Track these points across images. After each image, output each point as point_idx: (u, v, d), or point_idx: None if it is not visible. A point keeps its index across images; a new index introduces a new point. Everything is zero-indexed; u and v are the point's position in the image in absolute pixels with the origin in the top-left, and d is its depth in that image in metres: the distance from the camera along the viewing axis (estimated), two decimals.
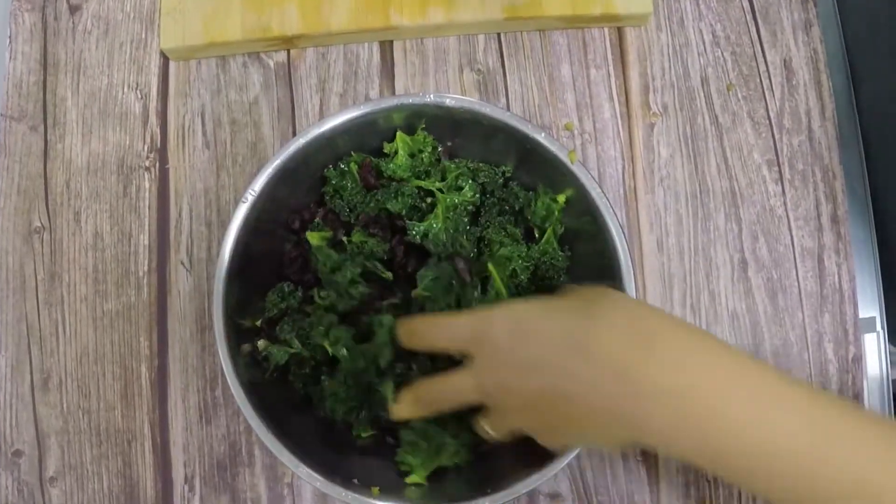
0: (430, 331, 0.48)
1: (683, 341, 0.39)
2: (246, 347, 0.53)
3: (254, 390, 0.51)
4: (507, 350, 0.43)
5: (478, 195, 0.57)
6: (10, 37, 0.67)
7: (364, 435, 0.54)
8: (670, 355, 0.38)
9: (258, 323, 0.55)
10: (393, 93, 0.66)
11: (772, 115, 0.66)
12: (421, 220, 0.56)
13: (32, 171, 0.65)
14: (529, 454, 0.51)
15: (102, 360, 0.62)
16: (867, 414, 0.40)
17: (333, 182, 0.57)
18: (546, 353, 0.41)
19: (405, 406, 0.49)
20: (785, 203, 0.64)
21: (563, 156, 0.53)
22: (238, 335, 0.53)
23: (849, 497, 0.36)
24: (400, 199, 0.55)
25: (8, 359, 0.62)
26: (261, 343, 0.54)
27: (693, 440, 0.38)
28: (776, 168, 0.65)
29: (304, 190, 0.57)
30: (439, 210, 0.55)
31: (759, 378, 0.39)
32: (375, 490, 0.50)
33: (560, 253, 0.57)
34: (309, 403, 0.55)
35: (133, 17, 0.67)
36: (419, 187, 0.56)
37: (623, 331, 0.39)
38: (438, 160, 0.58)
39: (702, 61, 0.66)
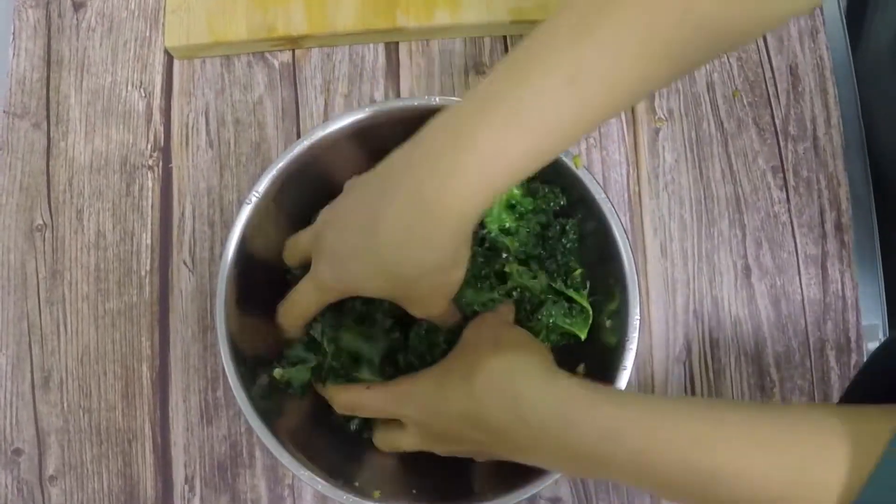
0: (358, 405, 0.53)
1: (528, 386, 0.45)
2: (263, 380, 0.53)
3: (253, 391, 0.51)
4: (426, 425, 0.49)
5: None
6: (13, 33, 0.67)
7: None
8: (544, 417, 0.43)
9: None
10: (398, 94, 0.66)
11: (777, 121, 0.65)
12: None
13: (35, 168, 0.64)
14: None
15: (103, 359, 0.62)
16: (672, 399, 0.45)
17: None
18: (452, 429, 0.48)
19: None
20: (789, 210, 0.64)
21: (567, 160, 0.53)
22: (242, 335, 0.52)
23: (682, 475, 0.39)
24: None
25: (9, 357, 0.62)
26: (277, 372, 0.53)
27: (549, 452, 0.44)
28: (781, 175, 0.65)
29: (308, 193, 0.57)
30: None
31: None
32: (377, 493, 0.50)
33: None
34: (311, 407, 0.55)
35: (137, 14, 0.67)
36: None
37: (498, 400, 0.45)
38: None
39: (707, 67, 0.66)
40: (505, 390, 0.45)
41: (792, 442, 0.37)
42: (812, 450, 0.36)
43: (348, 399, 0.52)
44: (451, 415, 0.47)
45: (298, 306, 0.51)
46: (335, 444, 0.55)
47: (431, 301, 0.47)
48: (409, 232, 0.41)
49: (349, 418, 0.55)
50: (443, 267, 0.43)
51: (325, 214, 0.49)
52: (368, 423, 0.55)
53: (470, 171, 0.39)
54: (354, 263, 0.44)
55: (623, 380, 0.50)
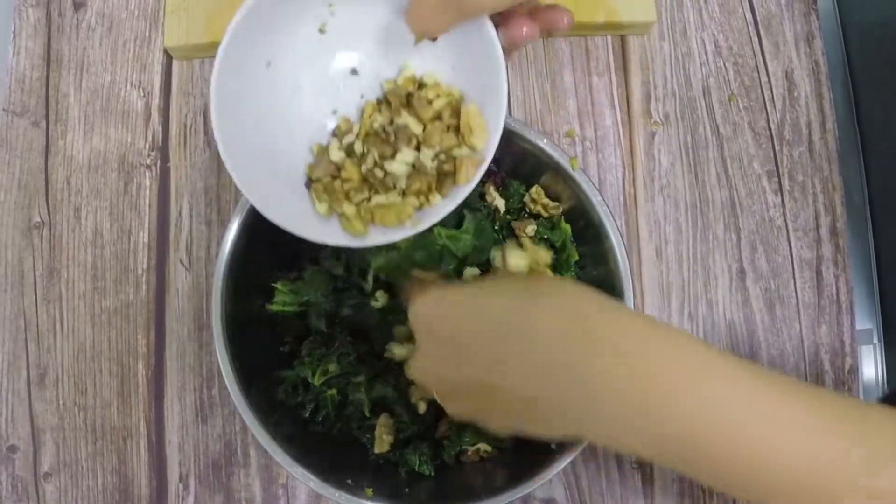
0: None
1: (631, 330, 0.36)
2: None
3: (250, 390, 0.51)
4: (436, 335, 0.42)
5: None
6: (13, 32, 0.67)
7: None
8: (616, 346, 0.36)
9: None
10: None
11: (772, 126, 0.66)
12: None
13: (33, 166, 0.65)
14: (525, 459, 0.51)
15: (99, 357, 0.62)
16: (820, 391, 0.36)
17: None
18: (480, 338, 0.39)
19: None
20: (784, 214, 0.64)
21: (564, 162, 0.53)
22: (237, 334, 0.52)
23: (802, 488, 0.33)
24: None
25: (5, 354, 0.62)
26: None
27: (638, 434, 0.35)
28: (776, 179, 0.65)
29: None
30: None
31: (706, 365, 0.35)
32: (369, 491, 0.50)
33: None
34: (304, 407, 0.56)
35: (137, 14, 0.67)
36: None
37: (566, 318, 0.37)
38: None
39: (704, 71, 0.67)
40: (576, 309, 0.37)
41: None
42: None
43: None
44: (487, 322, 0.39)
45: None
46: (328, 443, 0.55)
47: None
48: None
49: (339, 415, 0.56)
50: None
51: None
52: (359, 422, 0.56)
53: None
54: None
55: None
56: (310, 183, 0.45)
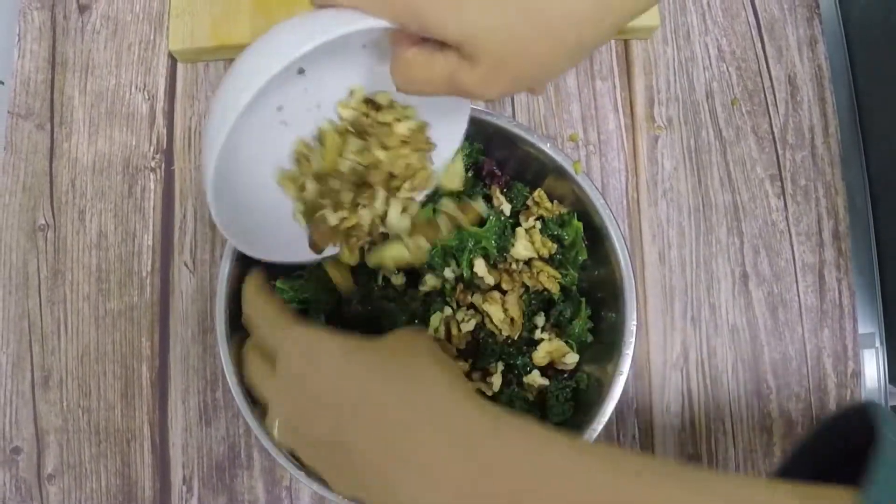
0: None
1: (478, 423, 0.36)
2: None
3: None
4: (297, 378, 0.40)
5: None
6: (18, 35, 0.67)
7: None
8: (459, 438, 0.35)
9: None
10: None
11: (775, 130, 0.66)
12: None
13: (38, 168, 0.65)
14: None
15: (104, 359, 0.62)
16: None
17: None
18: (334, 400, 0.38)
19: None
20: (787, 218, 0.65)
21: (568, 166, 0.54)
22: (241, 337, 0.53)
23: None
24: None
25: (9, 355, 0.62)
26: None
27: None
28: (779, 183, 0.65)
29: None
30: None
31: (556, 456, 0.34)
32: None
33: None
34: None
35: (142, 18, 0.67)
36: None
37: (419, 407, 0.36)
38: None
39: (707, 75, 0.67)
40: (429, 400, 0.37)
41: None
42: None
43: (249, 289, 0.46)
44: (331, 366, 0.38)
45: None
46: None
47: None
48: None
49: None
50: None
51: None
52: None
53: None
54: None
55: (619, 385, 0.51)
56: (315, 245, 0.46)
